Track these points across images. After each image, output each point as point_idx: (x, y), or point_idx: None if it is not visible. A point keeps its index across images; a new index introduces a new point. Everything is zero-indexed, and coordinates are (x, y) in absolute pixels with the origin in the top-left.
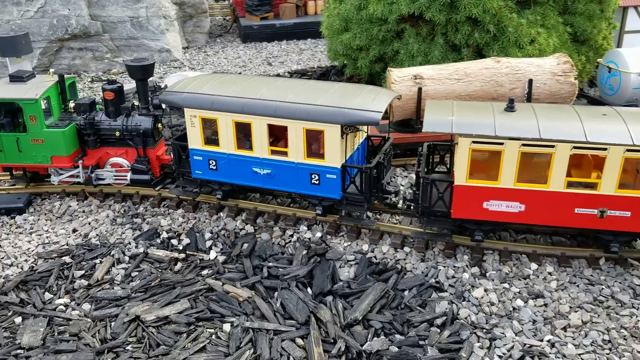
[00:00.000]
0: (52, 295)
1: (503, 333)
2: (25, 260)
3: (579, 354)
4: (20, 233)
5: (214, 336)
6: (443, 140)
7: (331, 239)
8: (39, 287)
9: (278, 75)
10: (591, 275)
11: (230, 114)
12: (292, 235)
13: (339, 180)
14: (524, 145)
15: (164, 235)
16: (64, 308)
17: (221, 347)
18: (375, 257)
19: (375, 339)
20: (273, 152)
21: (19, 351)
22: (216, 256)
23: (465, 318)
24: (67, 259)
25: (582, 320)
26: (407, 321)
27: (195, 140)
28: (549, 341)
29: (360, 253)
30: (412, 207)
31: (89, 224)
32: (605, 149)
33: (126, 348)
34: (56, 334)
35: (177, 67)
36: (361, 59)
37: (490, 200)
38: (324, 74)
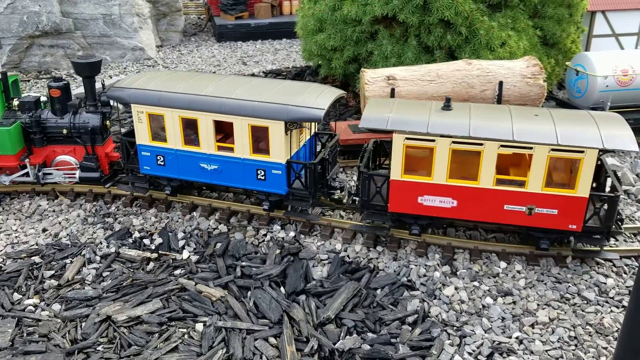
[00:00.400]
0: (21, 296)
1: (473, 330)
2: None
3: (546, 350)
4: None
5: (186, 336)
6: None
7: (304, 238)
8: (7, 287)
9: (253, 74)
10: (558, 274)
11: (176, 110)
12: (265, 235)
13: (284, 175)
14: (454, 142)
15: (136, 234)
16: (34, 308)
17: (193, 347)
18: (348, 256)
19: (347, 337)
20: (220, 148)
21: None
22: (189, 256)
23: (436, 316)
24: (36, 258)
25: (549, 318)
26: (379, 319)
27: (142, 136)
28: (517, 338)
29: (333, 252)
30: (356, 202)
31: (60, 223)
32: (531, 148)
33: (97, 349)
34: (25, 334)
35: (150, 65)
36: (335, 59)
37: (425, 196)
38: (298, 74)
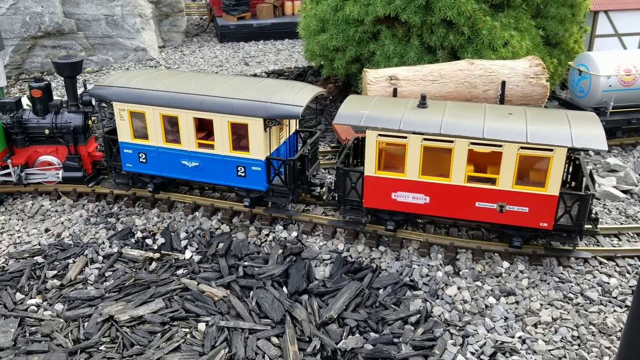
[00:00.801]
0: (23, 296)
1: (475, 330)
2: None
3: (549, 350)
4: None
5: (188, 335)
6: None
7: (307, 238)
8: (10, 287)
9: (255, 75)
10: (561, 274)
11: (157, 108)
12: (267, 235)
13: (264, 172)
14: (425, 139)
15: (139, 234)
16: (36, 308)
17: (196, 347)
18: (350, 256)
19: (350, 337)
20: (200, 145)
21: None
22: (191, 256)
23: (439, 316)
24: (39, 258)
25: (552, 317)
26: (382, 319)
27: (124, 133)
28: (520, 337)
29: (335, 252)
30: (335, 198)
31: (62, 223)
32: (501, 146)
33: (99, 348)
34: (28, 334)
35: (153, 66)
36: (338, 59)
37: (398, 192)
38: (301, 75)
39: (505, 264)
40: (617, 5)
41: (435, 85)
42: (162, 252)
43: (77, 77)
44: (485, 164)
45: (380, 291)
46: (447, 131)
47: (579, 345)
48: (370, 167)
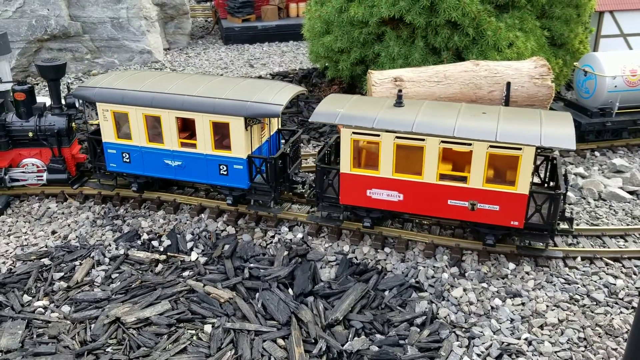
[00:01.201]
0: (30, 298)
1: (481, 332)
2: (3, 263)
3: (555, 352)
4: None
5: (195, 337)
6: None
7: (312, 239)
8: (17, 289)
9: (260, 77)
10: (567, 275)
11: (140, 108)
12: (273, 237)
13: (246, 170)
14: (397, 137)
15: (145, 236)
16: (43, 310)
17: (202, 348)
18: (356, 257)
19: (356, 338)
20: (183, 145)
21: None
22: (197, 257)
23: (445, 317)
24: (46, 260)
25: (558, 319)
26: (388, 321)
27: (108, 134)
28: (526, 339)
29: (341, 254)
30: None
31: (69, 225)
32: (470, 144)
33: (106, 350)
34: (35, 336)
35: (158, 68)
36: (342, 61)
37: (373, 189)
38: (305, 76)
39: (511, 266)
40: (623, 6)
41: (440, 87)
42: (168, 254)
43: (61, 79)
44: (463, 163)
45: (386, 293)
46: (419, 130)
47: (585, 346)
48: (345, 165)
